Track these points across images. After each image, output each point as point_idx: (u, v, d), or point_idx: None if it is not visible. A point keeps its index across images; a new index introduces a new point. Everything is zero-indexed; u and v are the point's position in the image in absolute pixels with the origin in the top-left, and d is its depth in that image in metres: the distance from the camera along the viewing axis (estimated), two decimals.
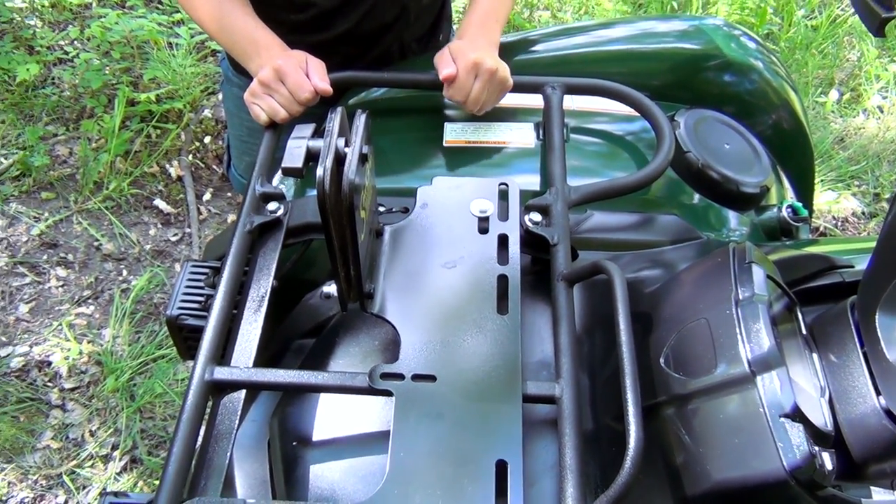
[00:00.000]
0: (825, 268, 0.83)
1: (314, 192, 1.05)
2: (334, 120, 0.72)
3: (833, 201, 2.58)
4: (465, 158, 1.05)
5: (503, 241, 0.87)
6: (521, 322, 0.80)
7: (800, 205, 1.06)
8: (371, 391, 0.75)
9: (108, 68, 2.63)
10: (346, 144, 0.72)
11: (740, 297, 0.71)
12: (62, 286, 2.26)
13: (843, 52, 3.10)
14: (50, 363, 2.06)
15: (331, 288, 0.85)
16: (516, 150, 1.05)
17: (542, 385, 0.76)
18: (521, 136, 1.07)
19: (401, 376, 0.75)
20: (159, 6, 2.91)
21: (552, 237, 0.88)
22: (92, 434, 1.95)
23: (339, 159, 0.70)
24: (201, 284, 0.91)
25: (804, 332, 0.75)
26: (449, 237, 0.87)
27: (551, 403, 0.76)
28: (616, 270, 0.77)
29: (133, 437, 1.93)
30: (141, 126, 2.54)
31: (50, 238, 2.35)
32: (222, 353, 0.80)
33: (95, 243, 2.36)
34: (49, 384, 2.03)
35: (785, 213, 1.05)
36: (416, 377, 0.75)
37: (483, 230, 0.88)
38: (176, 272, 2.32)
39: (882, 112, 2.87)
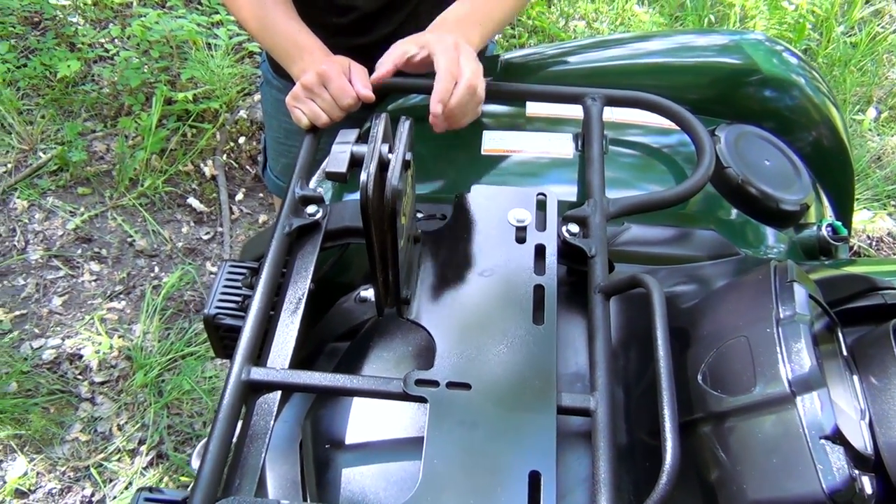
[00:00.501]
0: (866, 289, 0.82)
1: (352, 196, 1.07)
2: (378, 126, 0.73)
3: (868, 220, 2.55)
4: (502, 167, 1.05)
5: (540, 251, 0.87)
6: (556, 333, 0.80)
7: (839, 224, 1.05)
8: (405, 397, 0.75)
9: (146, 67, 2.67)
10: (390, 151, 0.72)
11: (781, 316, 0.70)
12: (95, 280, 2.29)
13: (883, 70, 3.06)
14: (81, 356, 2.09)
15: (367, 292, 0.85)
16: (554, 160, 1.05)
17: (577, 397, 0.76)
18: (559, 146, 1.07)
19: (435, 383, 0.75)
20: (199, 7, 2.95)
21: (589, 249, 0.88)
22: (120, 428, 1.97)
23: (383, 165, 0.70)
24: (239, 285, 0.92)
25: (845, 353, 0.74)
26: (486, 245, 0.87)
27: (585, 416, 0.76)
28: (655, 284, 0.77)
29: (160, 432, 1.95)
30: (177, 125, 2.58)
31: (85, 233, 2.39)
32: (259, 353, 0.80)
33: (129, 239, 2.39)
34: (79, 377, 2.06)
35: (825, 231, 1.04)
36: (450, 385, 0.75)
37: (520, 240, 0.88)
38: (207, 270, 2.34)
39: None
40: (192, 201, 2.50)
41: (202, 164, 2.56)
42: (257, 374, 0.76)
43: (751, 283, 0.76)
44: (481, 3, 1.04)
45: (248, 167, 2.61)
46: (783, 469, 0.64)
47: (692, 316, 0.80)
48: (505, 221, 0.89)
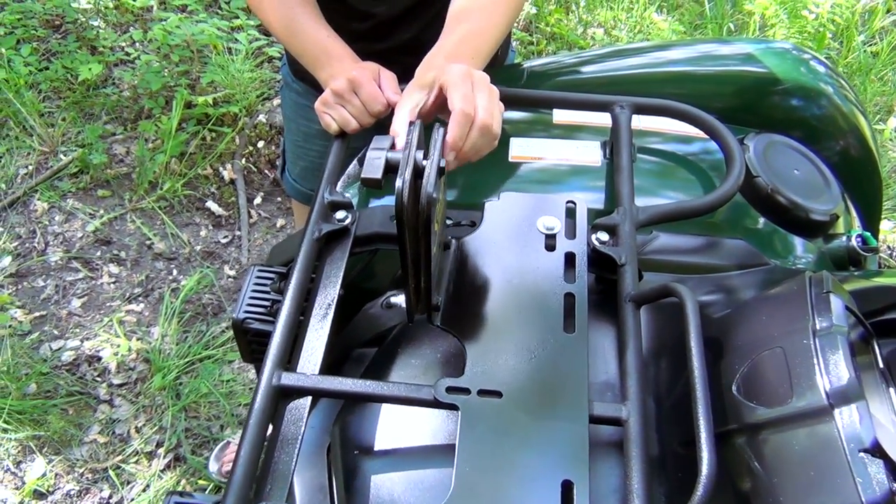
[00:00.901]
0: None
1: (379, 202, 1.07)
2: (413, 133, 0.73)
3: (889, 231, 2.53)
4: (530, 174, 1.04)
5: (570, 259, 0.87)
6: (588, 342, 0.79)
7: (869, 234, 1.04)
8: (436, 404, 0.75)
9: (167, 70, 2.68)
10: (424, 157, 0.72)
11: (818, 327, 0.70)
12: (114, 283, 2.30)
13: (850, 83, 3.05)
14: (100, 358, 2.10)
15: (396, 298, 0.85)
16: (582, 167, 1.05)
17: (609, 406, 0.76)
18: (587, 153, 1.07)
19: (466, 391, 0.75)
20: (218, 11, 2.96)
21: (619, 257, 0.88)
22: (138, 430, 1.98)
23: (418, 172, 0.70)
24: (267, 289, 0.92)
25: (881, 365, 0.73)
26: (515, 253, 0.87)
27: (617, 425, 0.75)
28: (688, 294, 0.77)
29: (178, 435, 1.95)
30: (197, 128, 2.59)
31: (104, 235, 2.40)
32: (288, 359, 0.80)
33: (148, 242, 2.40)
34: (98, 379, 2.07)
35: (854, 242, 1.03)
36: (481, 392, 0.75)
37: (550, 247, 0.88)
38: (225, 274, 2.35)
39: None
40: (211, 205, 2.51)
41: (221, 168, 2.58)
42: (288, 379, 0.76)
43: (786, 294, 0.76)
44: (476, 26, 0.99)
45: (266, 171, 2.61)
46: (821, 482, 0.64)
47: (725, 326, 0.79)
48: (534, 228, 0.89)
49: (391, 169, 0.74)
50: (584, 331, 0.80)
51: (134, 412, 2.00)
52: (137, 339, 2.15)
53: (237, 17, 2.84)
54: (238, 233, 2.47)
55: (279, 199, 2.58)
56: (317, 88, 1.39)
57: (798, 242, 1.05)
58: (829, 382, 0.66)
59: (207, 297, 2.29)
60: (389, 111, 1.02)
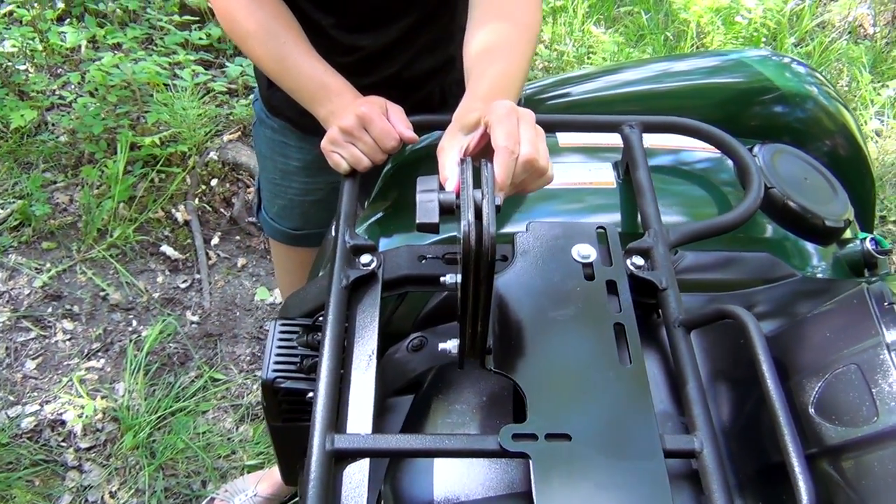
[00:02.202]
0: None
1: (392, 242, 1.02)
2: (467, 171, 0.69)
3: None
4: (549, 201, 1.01)
5: (611, 287, 0.84)
6: (646, 372, 0.77)
7: (881, 238, 1.05)
8: (504, 454, 0.71)
9: (106, 112, 2.57)
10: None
11: (889, 340, 0.69)
12: (69, 340, 2.18)
13: (835, 79, 3.16)
14: (63, 422, 1.98)
15: (448, 344, 0.80)
16: (599, 189, 1.03)
17: (680, 439, 0.73)
18: (600, 175, 1.05)
19: (534, 437, 0.71)
20: (154, 48, 2.86)
21: (660, 281, 0.85)
22: (112, 496, 1.86)
23: (477, 212, 0.67)
24: (293, 344, 0.86)
25: None
26: (555, 285, 0.84)
27: (690, 457, 0.73)
28: (748, 316, 0.75)
29: (157, 496, 1.85)
30: (144, 170, 2.49)
31: (54, 290, 2.27)
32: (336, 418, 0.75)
33: (102, 293, 2.28)
34: (63, 444, 1.95)
35: (868, 245, 1.04)
36: (549, 436, 0.71)
37: (588, 276, 0.85)
38: (188, 320, 2.25)
39: (879, 136, 2.92)
40: (166, 249, 2.40)
41: (174, 210, 2.47)
42: (342, 441, 0.71)
43: (845, 309, 0.74)
44: (504, 66, 0.95)
45: (222, 210, 2.52)
46: None
47: (783, 345, 0.77)
48: (569, 258, 0.86)
49: (444, 211, 0.70)
50: (640, 361, 0.77)
51: (106, 476, 1.89)
52: (102, 398, 2.03)
53: (175, 53, 2.75)
54: (198, 276, 2.37)
55: (238, 237, 2.49)
56: (294, 124, 1.34)
57: (814, 250, 1.05)
58: None
59: (172, 346, 2.18)
60: (401, 146, 0.99)
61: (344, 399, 0.76)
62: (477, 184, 0.71)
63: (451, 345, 0.77)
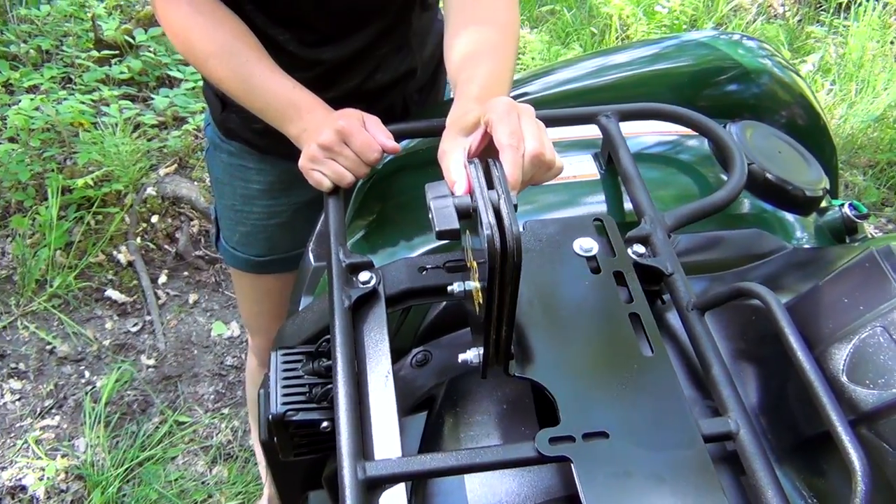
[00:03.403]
0: None
1: (385, 256, 0.98)
2: (478, 172, 0.67)
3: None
4: (539, 197, 1.00)
5: (619, 277, 0.83)
6: (669, 358, 0.76)
7: (858, 202, 1.07)
8: (543, 460, 0.68)
9: (32, 157, 2.45)
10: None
11: None
12: (19, 400, 2.06)
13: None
14: (24, 487, 1.86)
15: (468, 354, 0.77)
16: (585, 182, 1.02)
17: (715, 422, 0.72)
18: (582, 167, 1.03)
19: (571, 438, 0.69)
20: (73, 87, 2.75)
21: (665, 267, 0.84)
22: None
23: (496, 213, 0.64)
24: (300, 373, 0.82)
25: None
26: (563, 282, 0.82)
27: (727, 440, 0.72)
28: (767, 291, 0.74)
29: None
30: (79, 214, 2.38)
31: None
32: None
33: (48, 347, 2.17)
34: None
35: (848, 211, 1.06)
36: (586, 436, 0.69)
37: (594, 269, 0.83)
38: (144, 364, 2.16)
39: None
40: (112, 293, 2.30)
41: (115, 252, 2.37)
42: (374, 469, 0.68)
43: (859, 272, 0.74)
44: (491, 67, 0.93)
45: (167, 247, 2.43)
46: None
47: (799, 315, 0.77)
48: (572, 253, 0.85)
49: (461, 215, 0.68)
50: (662, 349, 0.76)
51: None
52: (63, 457, 1.92)
53: (98, 90, 2.65)
54: (148, 317, 2.27)
55: (186, 273, 2.40)
56: (252, 146, 1.29)
57: (796, 221, 1.06)
58: None
59: (130, 393, 2.09)
60: (383, 158, 0.95)
61: (366, 424, 0.73)
62: (488, 184, 0.69)
63: (472, 354, 0.74)
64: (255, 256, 1.42)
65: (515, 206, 0.67)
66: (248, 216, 1.37)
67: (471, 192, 0.69)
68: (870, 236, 1.15)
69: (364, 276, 0.84)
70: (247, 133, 1.26)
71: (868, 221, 1.12)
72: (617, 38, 3.18)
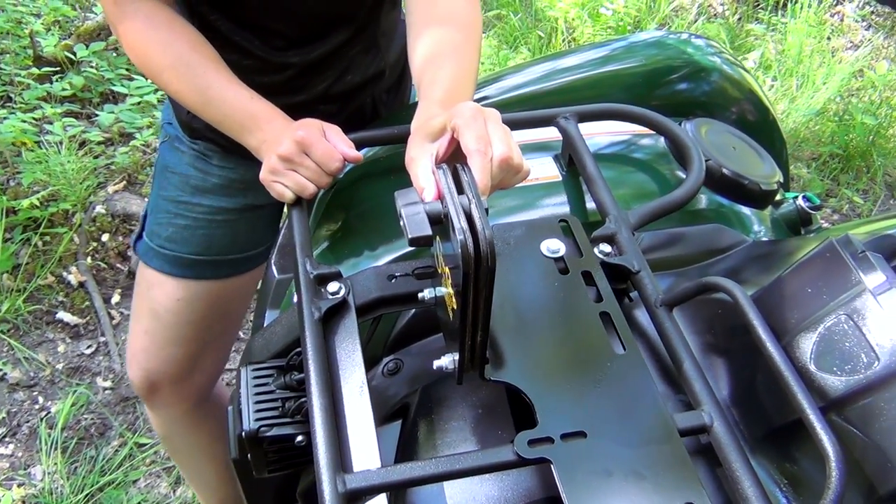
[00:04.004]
0: None
1: (352, 266, 0.97)
2: (447, 177, 0.66)
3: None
4: (503, 201, 1.00)
5: (588, 277, 0.83)
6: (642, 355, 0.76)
7: (811, 195, 1.10)
8: (524, 462, 0.68)
9: None
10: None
11: (872, 286, 0.71)
12: None
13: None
14: None
15: (443, 360, 0.77)
16: (545, 184, 1.02)
17: (688, 416, 0.73)
18: (544, 169, 1.04)
19: (550, 440, 0.69)
20: (14, 105, 2.67)
21: (632, 265, 0.85)
22: None
23: (468, 217, 0.64)
24: (271, 388, 0.81)
25: None
26: (532, 284, 0.82)
27: (702, 433, 0.73)
28: (734, 285, 0.75)
29: None
30: (26, 235, 2.31)
31: None
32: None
33: None
34: None
35: (802, 203, 1.08)
36: (565, 437, 0.69)
37: (563, 270, 0.84)
38: (101, 387, 2.10)
39: None
40: (63, 315, 2.24)
41: (65, 273, 2.31)
42: (353, 481, 0.67)
43: (820, 262, 0.76)
44: (455, 69, 0.93)
45: (118, 265, 2.38)
46: None
47: (764, 307, 0.78)
48: (539, 255, 0.85)
49: (433, 221, 0.67)
50: (634, 346, 0.77)
51: None
52: (19, 486, 1.86)
53: (40, 108, 2.58)
54: (102, 338, 2.22)
55: None
56: (219, 145, 1.25)
57: (753, 214, 1.08)
58: None
59: (87, 417, 2.03)
60: (345, 167, 0.95)
61: (343, 435, 0.72)
62: (457, 189, 0.69)
63: (447, 360, 0.74)
64: (187, 254, 1.31)
65: (486, 211, 0.67)
66: (194, 209, 1.30)
67: (441, 198, 0.69)
68: (823, 226, 1.18)
69: (333, 286, 0.83)
70: (213, 133, 1.22)
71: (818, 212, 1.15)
72: (564, 41, 3.21)
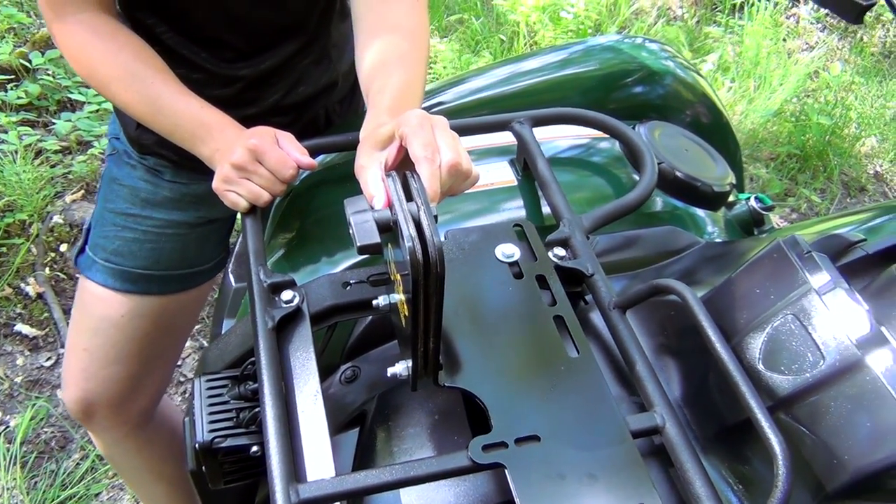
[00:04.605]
0: (846, 245, 0.87)
1: (308, 274, 0.97)
2: (396, 185, 0.66)
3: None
4: (458, 207, 1.00)
5: (542, 281, 0.84)
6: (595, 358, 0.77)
7: (763, 195, 1.11)
8: (478, 468, 0.68)
9: None
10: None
11: (818, 286, 0.72)
12: None
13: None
14: None
15: (397, 367, 0.76)
16: (501, 189, 1.03)
17: (641, 417, 0.73)
18: (499, 174, 1.05)
19: (504, 444, 0.69)
20: None
21: (585, 268, 0.86)
22: None
23: (417, 225, 0.64)
24: (226, 398, 0.80)
25: (866, 307, 0.77)
26: (487, 289, 0.83)
27: (654, 434, 0.74)
28: (683, 286, 0.76)
29: None
30: None
31: None
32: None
33: None
34: None
35: (754, 204, 1.10)
36: (519, 441, 0.70)
37: (517, 275, 0.84)
38: (61, 400, 2.06)
39: None
40: (21, 327, 2.20)
41: (23, 285, 2.27)
42: (307, 490, 0.66)
43: (768, 263, 0.78)
44: (403, 77, 0.92)
45: (77, 276, 2.34)
46: (880, 429, 0.65)
47: (714, 308, 0.80)
48: (494, 260, 0.85)
49: (381, 229, 0.67)
50: (587, 349, 0.78)
51: None
52: None
53: None
54: (62, 351, 2.18)
55: None
56: (170, 161, 1.23)
57: (707, 216, 1.10)
58: (854, 334, 0.68)
59: (47, 430, 1.99)
60: (299, 174, 0.94)
61: (297, 445, 0.72)
62: (406, 197, 0.69)
63: (401, 367, 0.74)
64: (133, 268, 1.27)
65: (436, 217, 0.67)
66: (143, 221, 1.27)
67: (390, 206, 0.69)
68: (776, 226, 1.20)
69: (287, 295, 0.82)
70: (164, 149, 1.20)
71: (774, 213, 1.17)
72: (525, 45, 3.23)
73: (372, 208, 0.70)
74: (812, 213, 2.90)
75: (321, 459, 0.70)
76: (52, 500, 1.83)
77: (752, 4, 3.53)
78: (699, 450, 0.75)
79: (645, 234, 1.02)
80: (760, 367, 0.73)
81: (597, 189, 1.07)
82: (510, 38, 3.30)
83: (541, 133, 1.13)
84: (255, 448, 0.78)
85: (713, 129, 1.32)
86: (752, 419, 0.68)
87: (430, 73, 3.08)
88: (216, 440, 0.77)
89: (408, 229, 0.63)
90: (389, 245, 0.74)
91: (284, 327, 0.81)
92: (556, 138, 1.15)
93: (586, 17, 3.24)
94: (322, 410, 0.74)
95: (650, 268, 0.98)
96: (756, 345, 0.74)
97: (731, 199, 1.15)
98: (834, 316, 0.70)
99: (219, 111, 0.98)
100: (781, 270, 0.76)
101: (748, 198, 1.12)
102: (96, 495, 1.87)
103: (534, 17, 3.25)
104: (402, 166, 0.77)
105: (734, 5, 3.68)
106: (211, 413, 0.79)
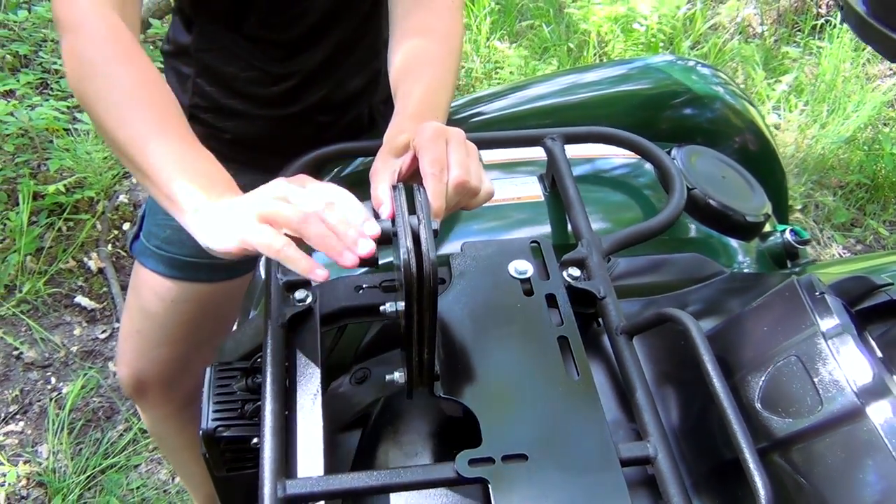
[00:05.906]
0: (870, 288, 0.84)
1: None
2: (401, 198, 0.68)
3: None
4: (479, 220, 1.01)
5: (551, 300, 0.84)
6: (594, 383, 0.77)
7: (800, 228, 1.09)
8: (462, 481, 0.69)
9: (4, 162, 2.45)
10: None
11: (825, 329, 0.71)
12: None
13: (735, 75, 3.29)
14: None
15: (395, 374, 0.78)
16: (528, 203, 1.03)
17: (633, 446, 0.73)
18: (526, 189, 1.05)
19: (490, 460, 0.70)
20: (50, 92, 2.75)
21: (598, 290, 0.86)
22: None
23: (415, 239, 0.65)
24: (233, 389, 0.83)
25: (880, 355, 0.75)
26: (495, 304, 0.83)
27: (646, 464, 0.73)
28: (688, 317, 0.76)
29: None
30: (51, 220, 2.38)
31: None
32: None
33: (15, 352, 2.16)
34: None
35: (789, 237, 1.07)
36: (506, 458, 0.70)
37: (527, 292, 0.85)
38: (111, 371, 2.16)
39: (778, 129, 3.05)
40: (81, 299, 2.30)
41: (86, 259, 2.37)
42: (294, 487, 0.69)
43: (779, 302, 0.76)
44: (431, 81, 0.92)
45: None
46: (872, 482, 0.64)
47: (721, 342, 0.79)
48: (507, 275, 0.86)
49: (382, 240, 0.69)
50: (588, 372, 0.78)
51: None
52: (25, 463, 1.92)
53: (72, 97, 2.65)
54: (117, 325, 2.27)
55: None
56: (219, 154, 1.26)
57: (738, 246, 1.08)
58: (856, 382, 0.67)
59: (96, 400, 2.08)
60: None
61: (292, 442, 0.74)
62: (412, 209, 0.70)
63: (398, 374, 0.75)
64: (183, 256, 1.30)
65: (436, 233, 0.68)
66: None
67: (393, 218, 0.70)
68: (819, 260, 1.17)
69: (300, 294, 0.85)
70: (213, 142, 1.24)
71: (838, 243, 1.13)
72: (595, 55, 3.21)
73: (377, 217, 0.72)
74: (879, 246, 2.79)
75: (312, 457, 0.72)
76: (94, 468, 1.91)
77: (834, 26, 3.42)
78: (689, 485, 0.74)
79: (669, 260, 1.01)
80: (758, 406, 0.72)
81: (625, 211, 1.06)
82: (579, 47, 3.28)
83: (582, 150, 1.13)
84: (255, 440, 0.80)
85: (760, 157, 1.30)
86: (740, 458, 0.67)
87: (495, 79, 3.09)
88: (219, 429, 0.80)
89: (405, 242, 0.64)
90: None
91: (295, 325, 0.83)
92: (597, 157, 1.15)
93: (659, 30, 3.19)
94: (320, 409, 0.76)
95: (669, 294, 0.97)
96: (756, 383, 0.73)
97: (767, 229, 1.13)
98: (838, 361, 0.68)
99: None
100: (791, 310, 0.74)
101: (784, 230, 1.10)
102: (135, 467, 1.95)
103: (605, 27, 3.22)
104: (416, 176, 0.79)
105: (815, 26, 3.57)
106: (217, 402, 0.81)
